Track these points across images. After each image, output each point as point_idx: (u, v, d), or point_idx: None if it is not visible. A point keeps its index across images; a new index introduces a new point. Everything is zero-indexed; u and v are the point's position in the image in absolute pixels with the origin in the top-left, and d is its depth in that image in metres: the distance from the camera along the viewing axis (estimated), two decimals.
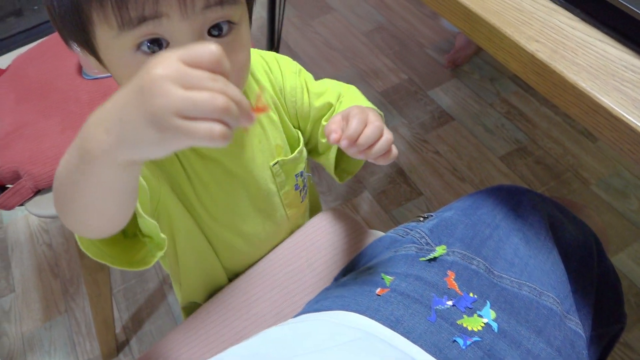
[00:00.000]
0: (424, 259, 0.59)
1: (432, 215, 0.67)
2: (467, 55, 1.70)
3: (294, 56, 1.88)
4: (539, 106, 1.58)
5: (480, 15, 0.58)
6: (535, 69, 0.54)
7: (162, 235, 0.51)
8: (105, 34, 0.47)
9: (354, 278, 0.61)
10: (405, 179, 1.48)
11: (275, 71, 0.67)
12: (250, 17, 0.58)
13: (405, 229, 0.66)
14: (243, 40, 0.52)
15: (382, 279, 0.58)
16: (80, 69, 1.04)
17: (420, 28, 1.88)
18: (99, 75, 1.03)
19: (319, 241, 0.72)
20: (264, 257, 0.72)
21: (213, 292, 0.73)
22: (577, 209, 0.71)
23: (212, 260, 0.69)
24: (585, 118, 0.50)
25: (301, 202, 0.73)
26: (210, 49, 0.33)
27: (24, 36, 1.93)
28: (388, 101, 1.68)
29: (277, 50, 1.71)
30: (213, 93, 0.32)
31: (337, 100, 0.68)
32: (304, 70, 0.70)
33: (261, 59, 0.68)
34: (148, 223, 0.50)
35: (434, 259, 0.59)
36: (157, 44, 0.47)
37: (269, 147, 0.66)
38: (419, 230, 0.64)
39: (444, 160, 1.51)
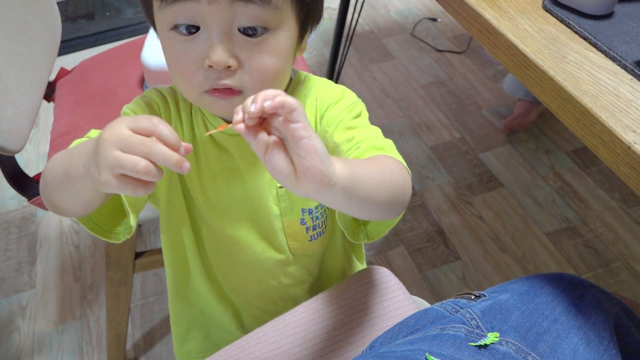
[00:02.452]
0: (473, 344, 0.54)
1: (484, 295, 0.62)
2: (525, 123, 1.65)
3: None
4: (595, 187, 1.52)
5: (574, 95, 0.54)
6: (629, 161, 0.49)
7: (132, 223, 0.56)
8: (156, 4, 0.54)
9: (394, 351, 0.56)
10: (444, 240, 1.43)
11: (327, 99, 0.63)
12: (302, 32, 0.57)
13: (455, 306, 0.61)
14: (274, 47, 0.53)
15: (426, 359, 0.53)
16: (142, 81, 1.05)
17: (480, 89, 1.85)
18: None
19: (357, 300, 0.68)
20: (297, 308, 0.68)
21: (192, 300, 0.75)
22: None
23: (193, 254, 0.70)
24: None
25: (308, 240, 0.68)
26: (151, 121, 0.42)
27: (92, 39, 1.98)
28: (437, 157, 1.64)
29: None
30: (137, 158, 0.41)
31: (351, 143, 0.58)
32: (360, 108, 0.62)
33: (325, 86, 0.64)
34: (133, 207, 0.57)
35: (485, 345, 0.54)
36: (193, 28, 0.52)
37: None
38: (469, 310, 0.59)
39: (487, 227, 1.45)
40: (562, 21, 0.65)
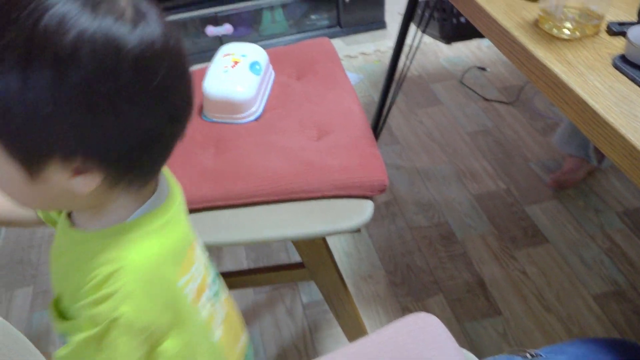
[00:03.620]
0: None
1: (540, 355, 0.60)
2: (574, 179, 1.62)
3: (394, 140, 1.88)
4: None
5: None
6: None
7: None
8: None
9: None
10: (484, 292, 1.39)
11: (95, 288, 0.50)
12: (39, 165, 0.47)
13: None
14: None
15: None
16: (201, 110, 1.08)
17: (528, 141, 1.83)
18: (216, 119, 1.06)
19: (404, 347, 0.66)
20: (342, 349, 0.67)
21: None
22: None
23: None
24: None
25: None
26: None
27: None
28: (481, 206, 1.61)
29: (380, 132, 1.71)
30: None
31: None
32: (104, 330, 0.50)
33: (116, 276, 0.51)
34: None
35: None
36: None
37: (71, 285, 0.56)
38: None
39: (531, 283, 1.40)
40: (633, 80, 0.64)
